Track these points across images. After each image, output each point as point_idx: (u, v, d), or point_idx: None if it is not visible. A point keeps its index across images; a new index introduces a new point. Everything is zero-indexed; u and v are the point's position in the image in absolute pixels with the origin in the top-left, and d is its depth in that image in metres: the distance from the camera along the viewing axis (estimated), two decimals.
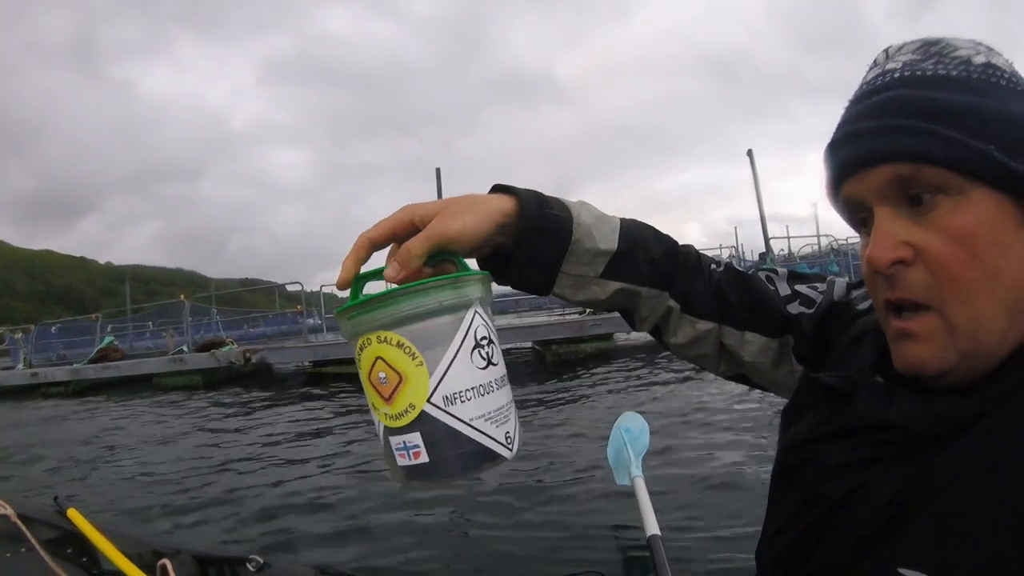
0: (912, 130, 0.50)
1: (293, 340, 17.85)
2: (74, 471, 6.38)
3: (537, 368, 11.70)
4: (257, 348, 14.29)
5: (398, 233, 0.61)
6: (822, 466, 0.56)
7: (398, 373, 0.54)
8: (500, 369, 0.58)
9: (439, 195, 17.67)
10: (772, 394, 0.84)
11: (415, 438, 0.54)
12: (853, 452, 0.54)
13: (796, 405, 0.66)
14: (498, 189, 0.68)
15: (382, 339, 0.54)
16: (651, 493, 2.69)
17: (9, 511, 1.80)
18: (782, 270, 0.81)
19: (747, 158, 17.66)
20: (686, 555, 3.00)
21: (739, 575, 2.69)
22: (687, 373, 8.46)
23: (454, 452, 0.54)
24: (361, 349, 0.55)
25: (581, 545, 3.38)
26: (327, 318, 17.04)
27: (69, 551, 1.81)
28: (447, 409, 0.54)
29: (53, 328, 20.99)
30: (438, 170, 18.06)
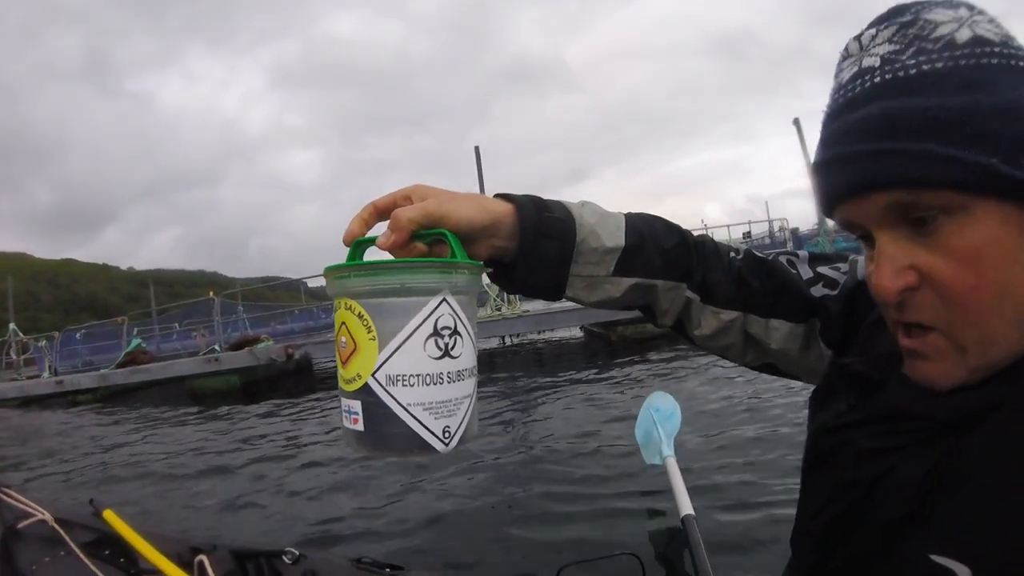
0: (904, 154, 0.47)
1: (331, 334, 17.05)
2: (107, 474, 6.53)
3: (600, 350, 11.57)
4: (299, 343, 13.60)
5: (400, 204, 0.62)
6: (852, 451, 0.57)
7: (354, 341, 0.57)
8: (461, 363, 0.58)
9: (479, 173, 18.06)
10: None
11: (356, 406, 0.57)
12: (882, 438, 0.55)
13: (825, 390, 0.66)
14: (497, 196, 0.69)
15: (348, 306, 0.57)
16: (683, 472, 2.71)
17: (46, 516, 1.85)
18: (803, 252, 0.80)
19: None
20: (721, 535, 3.00)
21: (775, 554, 2.69)
22: None
23: (386, 430, 0.56)
24: (335, 311, 0.59)
25: (615, 526, 3.41)
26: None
27: (107, 552, 1.84)
28: (388, 388, 0.56)
29: (78, 334, 20.85)
30: (477, 148, 18.22)
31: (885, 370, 0.58)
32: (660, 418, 3.33)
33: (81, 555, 1.71)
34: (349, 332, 0.57)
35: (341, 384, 0.58)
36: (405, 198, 0.63)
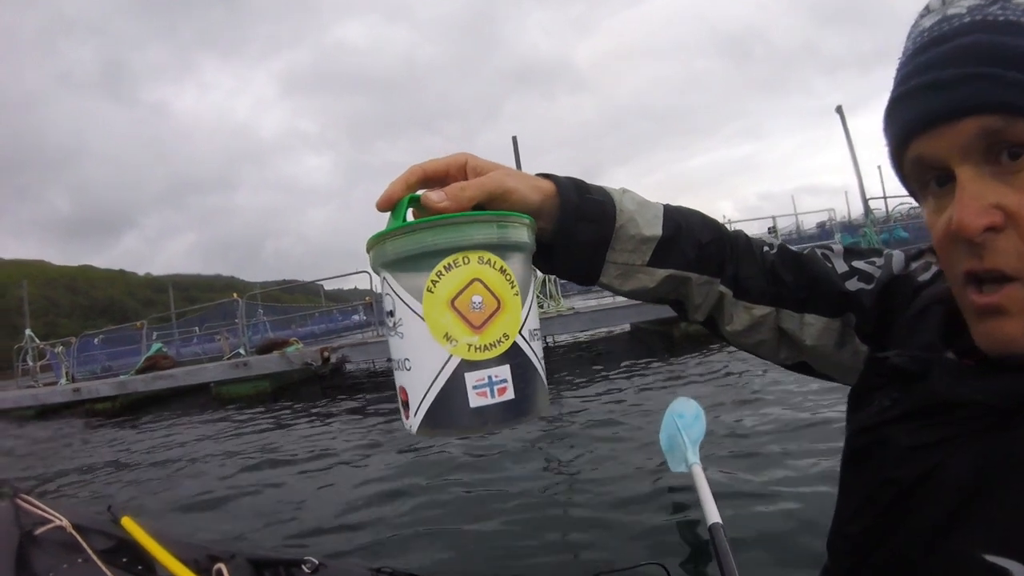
0: (1000, 79, 0.46)
1: (361, 335, 16.97)
2: (127, 482, 6.59)
3: (665, 346, 11.36)
4: (335, 346, 12.64)
5: (452, 173, 0.62)
6: (893, 449, 0.56)
7: (497, 299, 0.54)
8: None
9: (518, 165, 17.93)
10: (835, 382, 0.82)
11: (504, 371, 0.53)
12: (925, 433, 0.54)
13: (863, 387, 0.66)
14: (539, 176, 0.68)
15: (484, 260, 0.54)
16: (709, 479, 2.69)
17: (64, 522, 1.88)
18: (837, 246, 0.80)
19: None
20: (750, 544, 2.98)
21: (807, 563, 2.66)
22: None
23: (530, 390, 0.55)
24: (447, 268, 0.54)
25: (641, 535, 3.38)
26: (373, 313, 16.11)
27: (125, 560, 1.86)
28: (531, 344, 0.56)
29: (96, 339, 20.55)
30: (515, 139, 18.18)
31: (926, 362, 0.57)
32: (684, 424, 3.31)
33: (99, 562, 1.74)
34: (488, 289, 0.54)
35: (467, 355, 0.53)
36: (459, 168, 0.62)
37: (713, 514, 2.29)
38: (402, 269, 0.56)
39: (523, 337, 0.55)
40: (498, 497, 4.33)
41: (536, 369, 0.56)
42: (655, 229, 0.70)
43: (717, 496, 2.47)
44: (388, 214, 0.60)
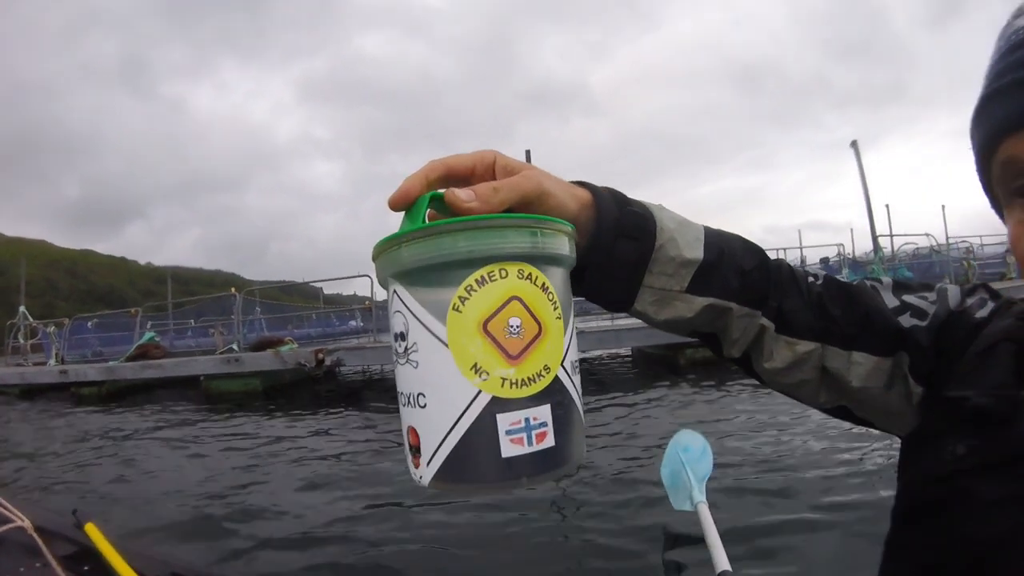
0: None
1: (357, 340, 16.71)
2: (101, 480, 6.41)
3: (670, 373, 11.15)
4: (330, 348, 12.28)
5: (478, 172, 0.56)
6: (974, 504, 0.50)
7: (538, 322, 0.46)
8: None
9: None
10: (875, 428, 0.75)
11: (544, 412, 0.45)
12: (1014, 485, 0.48)
13: (927, 431, 0.60)
14: (573, 183, 0.63)
15: (525, 274, 0.46)
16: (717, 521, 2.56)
17: (26, 523, 1.80)
18: (886, 279, 0.74)
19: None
20: None
21: None
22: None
23: (572, 435, 0.47)
24: (480, 283, 0.45)
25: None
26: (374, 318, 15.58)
27: (86, 568, 1.81)
28: (572, 378, 0.48)
29: (89, 323, 20.43)
30: (528, 152, 18.07)
31: (1013, 402, 0.52)
32: (689, 459, 3.18)
33: (58, 568, 1.66)
34: (529, 311, 0.46)
35: (500, 392, 0.45)
36: (487, 167, 0.56)
37: (722, 561, 2.17)
38: (421, 282, 0.47)
39: (565, 370, 0.48)
40: (484, 529, 4.19)
41: (578, 409, 0.49)
42: (696, 252, 0.64)
43: (725, 539, 2.34)
44: (402, 215, 0.52)
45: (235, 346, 14.89)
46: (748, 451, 5.58)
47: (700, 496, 2.86)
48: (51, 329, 18.78)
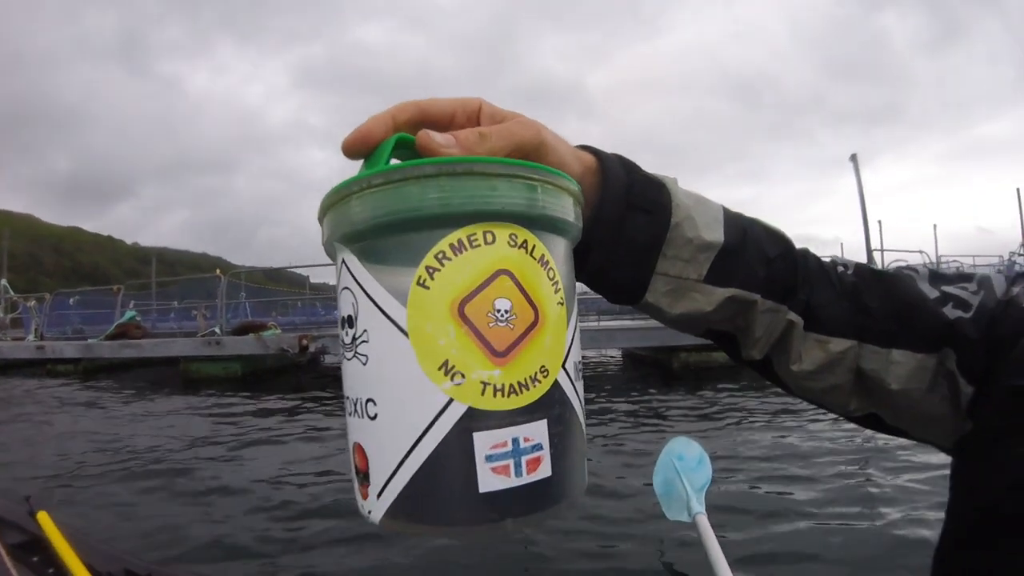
0: None
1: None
2: (63, 463, 6.10)
3: (662, 377, 10.91)
4: (315, 335, 11.84)
5: (459, 120, 0.45)
6: None
7: (534, 308, 0.36)
8: None
9: None
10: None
11: (539, 431, 0.35)
12: None
13: (990, 432, 0.55)
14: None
15: (519, 242, 0.36)
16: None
17: None
18: (923, 269, 0.65)
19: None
20: None
21: None
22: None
23: (574, 460, 0.38)
24: (456, 249, 0.34)
25: None
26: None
27: (35, 559, 1.74)
28: (576, 385, 0.39)
29: (71, 300, 20.18)
30: None
31: None
32: (684, 468, 3.04)
33: (7, 557, 1.60)
34: (524, 291, 0.35)
35: (485, 401, 0.34)
36: (471, 115, 0.46)
37: (725, 574, 2.02)
38: (377, 248, 0.37)
39: (567, 373, 0.37)
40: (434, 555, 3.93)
41: (580, 425, 0.39)
42: (716, 234, 0.56)
43: (727, 552, 2.20)
44: (360, 165, 0.42)
45: (217, 329, 14.61)
46: (748, 458, 5.46)
47: (699, 507, 2.72)
48: (32, 303, 18.64)
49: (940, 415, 0.61)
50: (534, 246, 0.36)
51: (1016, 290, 0.62)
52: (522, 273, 0.35)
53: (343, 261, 0.38)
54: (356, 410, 0.37)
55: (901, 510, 4.01)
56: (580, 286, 0.50)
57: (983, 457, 0.55)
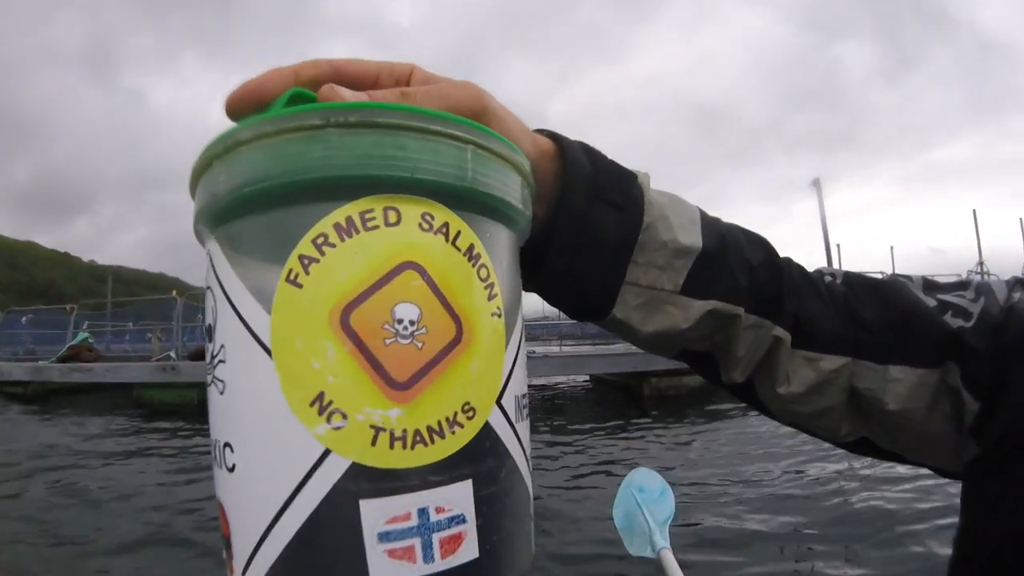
0: None
1: None
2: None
3: (629, 404, 10.63)
4: None
5: (383, 83, 0.37)
6: None
7: (455, 318, 0.26)
8: None
9: None
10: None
11: (460, 495, 0.26)
12: None
13: (1004, 451, 0.50)
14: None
15: (436, 225, 0.27)
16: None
17: None
18: (917, 277, 0.60)
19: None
20: None
21: None
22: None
23: (514, 530, 0.28)
24: (343, 230, 0.25)
25: None
26: None
27: None
28: (516, 427, 0.29)
29: (23, 318, 19.85)
30: None
31: None
32: (645, 500, 2.94)
33: None
34: (439, 293, 0.26)
35: (377, 454, 0.24)
36: (400, 79, 0.38)
37: None
38: (239, 230, 0.27)
39: (503, 413, 0.28)
40: None
41: (524, 482, 0.30)
42: (693, 237, 0.49)
43: None
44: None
45: (173, 353, 14.26)
46: (718, 489, 5.34)
47: (663, 542, 2.63)
48: None
49: (941, 436, 0.55)
50: (459, 232, 0.27)
51: (1017, 296, 0.57)
52: (438, 269, 0.26)
53: (208, 252, 0.29)
54: (216, 457, 0.28)
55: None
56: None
57: (1007, 476, 0.50)
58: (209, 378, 0.28)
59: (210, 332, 0.28)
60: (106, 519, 4.88)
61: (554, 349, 13.23)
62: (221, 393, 0.27)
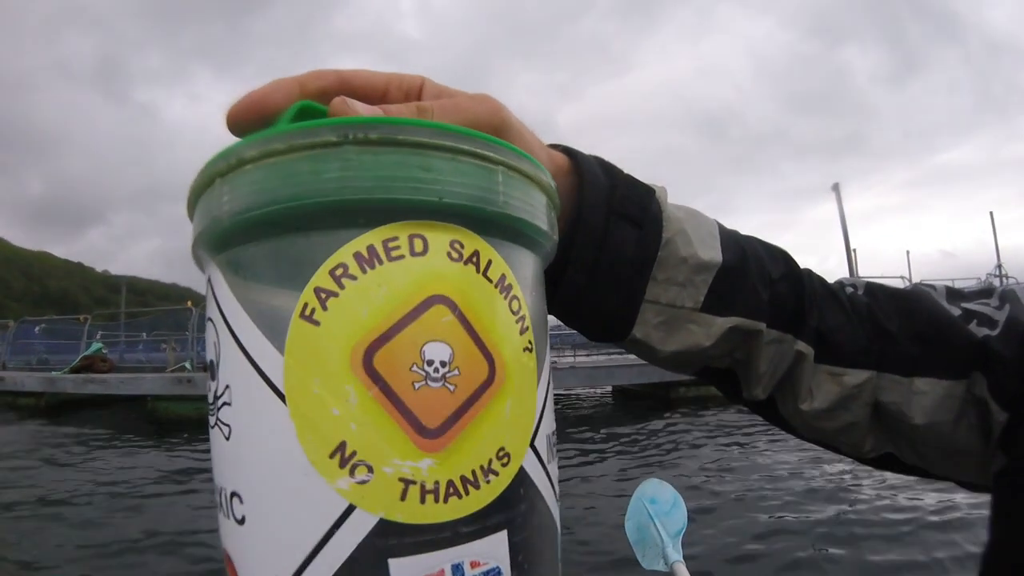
0: None
1: None
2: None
3: (656, 409, 10.51)
4: None
5: (393, 95, 0.36)
6: None
7: (488, 358, 0.24)
8: None
9: None
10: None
11: (494, 548, 0.24)
12: None
13: None
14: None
15: (466, 254, 0.25)
16: None
17: None
18: (940, 286, 0.59)
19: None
20: None
21: None
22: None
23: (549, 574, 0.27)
24: (364, 261, 0.23)
25: None
26: None
27: None
28: (548, 468, 0.28)
29: (37, 328, 19.74)
30: None
31: None
32: (658, 512, 2.77)
33: None
34: (471, 331, 0.24)
35: (406, 509, 0.22)
36: (410, 92, 0.36)
37: None
38: (245, 258, 0.25)
39: (536, 454, 0.26)
40: None
41: (554, 522, 0.28)
42: (713, 252, 0.47)
43: None
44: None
45: (188, 364, 14.18)
46: (735, 501, 5.14)
47: (676, 555, 2.47)
48: None
49: (967, 448, 0.54)
50: (489, 261, 0.25)
51: None
52: (470, 303, 0.24)
53: (208, 279, 0.27)
54: (222, 505, 0.25)
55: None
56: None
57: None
58: (212, 420, 0.26)
59: (212, 369, 0.26)
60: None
61: (568, 358, 12.96)
62: (227, 438, 0.25)
